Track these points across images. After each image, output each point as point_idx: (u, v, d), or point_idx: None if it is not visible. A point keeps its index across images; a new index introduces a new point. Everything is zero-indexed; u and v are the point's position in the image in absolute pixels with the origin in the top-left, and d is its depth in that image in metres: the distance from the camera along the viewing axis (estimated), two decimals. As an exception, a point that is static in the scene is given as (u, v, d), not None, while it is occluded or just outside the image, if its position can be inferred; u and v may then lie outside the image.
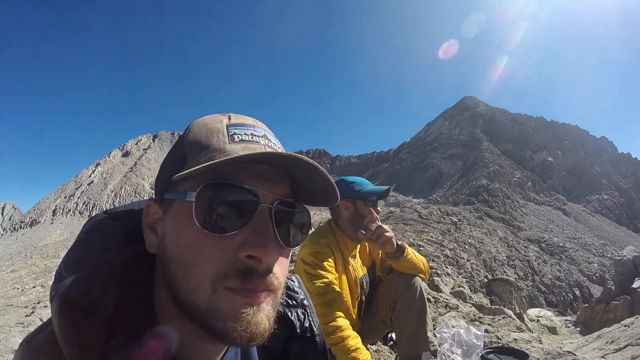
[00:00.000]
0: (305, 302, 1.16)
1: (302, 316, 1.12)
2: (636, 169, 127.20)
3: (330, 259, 2.79)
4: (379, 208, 3.01)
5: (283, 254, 0.82)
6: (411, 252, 2.98)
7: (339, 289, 2.70)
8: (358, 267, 3.07)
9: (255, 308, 0.74)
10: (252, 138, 0.83)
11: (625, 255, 14.69)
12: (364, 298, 3.11)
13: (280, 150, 0.85)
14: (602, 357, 7.57)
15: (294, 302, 1.13)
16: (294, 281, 1.19)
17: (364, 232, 2.78)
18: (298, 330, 1.09)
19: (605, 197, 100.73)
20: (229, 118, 0.88)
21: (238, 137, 0.82)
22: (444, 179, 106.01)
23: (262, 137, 0.85)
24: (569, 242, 63.56)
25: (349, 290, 2.93)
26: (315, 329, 1.12)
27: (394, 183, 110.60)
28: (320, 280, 2.65)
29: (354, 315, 2.97)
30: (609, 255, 59.43)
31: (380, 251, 3.20)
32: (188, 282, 0.75)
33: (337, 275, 2.77)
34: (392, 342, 3.64)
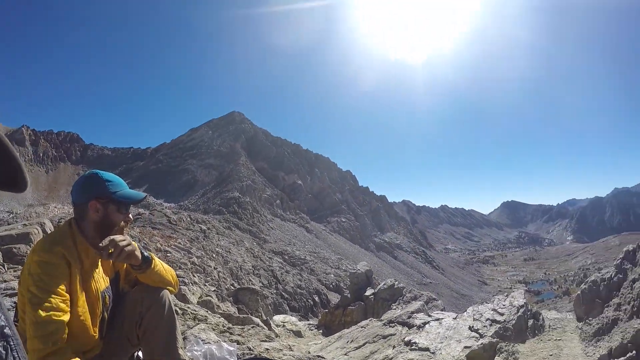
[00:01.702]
0: (6, 330, 0.81)
1: (4, 351, 0.79)
2: (371, 200, 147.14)
3: (62, 274, 2.18)
4: (130, 215, 2.53)
5: None
6: (159, 264, 2.64)
7: (63, 318, 2.08)
8: (100, 279, 2.47)
9: None
10: None
11: (359, 269, 16.49)
12: (106, 314, 2.51)
13: None
14: (345, 354, 8.10)
15: None
16: None
17: (100, 250, 2.23)
18: None
19: (344, 220, 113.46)
20: None
21: None
22: (198, 186, 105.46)
23: None
24: (310, 256, 69.66)
25: (90, 307, 2.34)
26: None
27: (146, 183, 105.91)
28: (41, 306, 2.02)
29: (95, 335, 2.40)
30: (344, 268, 67.38)
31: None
32: None
33: (66, 298, 2.15)
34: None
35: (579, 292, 9.32)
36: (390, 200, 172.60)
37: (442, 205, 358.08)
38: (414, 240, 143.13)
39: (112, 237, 2.26)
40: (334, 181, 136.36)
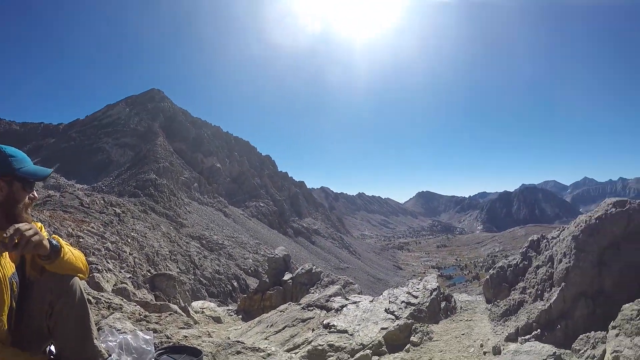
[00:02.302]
0: None
1: None
2: (290, 186, 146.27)
3: None
4: (35, 192, 2.35)
5: None
6: (69, 251, 2.42)
7: None
8: (7, 264, 2.22)
9: None
10: None
11: (277, 254, 16.45)
12: (14, 303, 2.26)
13: None
14: (266, 339, 8.09)
15: None
16: None
17: (4, 243, 1.98)
18: None
19: (262, 204, 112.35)
20: None
21: None
22: (112, 166, 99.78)
23: None
24: (228, 240, 68.78)
25: None
26: None
27: (57, 162, 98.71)
28: None
29: (3, 326, 2.20)
30: (262, 253, 67.14)
31: None
32: None
33: None
34: (52, 357, 2.79)
35: (487, 276, 9.82)
36: (309, 186, 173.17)
37: (359, 192, 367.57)
38: (331, 226, 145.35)
39: (17, 226, 2.02)
40: (253, 165, 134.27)
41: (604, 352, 4.69)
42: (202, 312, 12.68)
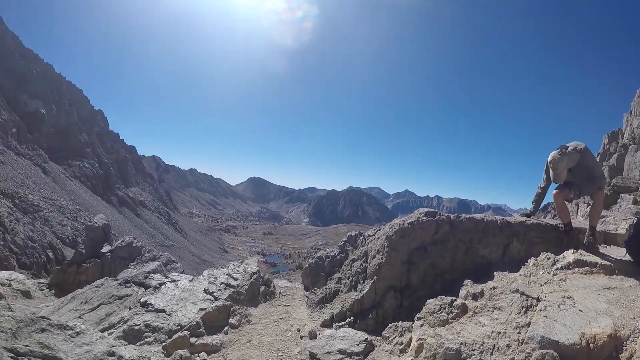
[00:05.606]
0: None
1: None
2: (119, 149, 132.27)
3: None
4: None
5: None
6: None
7: None
8: None
9: None
10: None
11: (96, 222, 15.25)
12: None
13: None
14: (79, 317, 7.50)
15: None
16: None
17: None
18: None
19: (87, 165, 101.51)
20: None
21: None
22: None
23: None
24: (45, 202, 60.91)
25: None
26: None
27: None
28: None
29: None
30: (82, 221, 59.80)
31: None
32: None
33: None
34: None
35: (307, 265, 10.34)
36: (139, 152, 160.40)
37: (191, 168, 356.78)
38: (158, 200, 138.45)
39: None
40: (83, 119, 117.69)
41: (411, 339, 5.28)
42: (10, 284, 11.20)
